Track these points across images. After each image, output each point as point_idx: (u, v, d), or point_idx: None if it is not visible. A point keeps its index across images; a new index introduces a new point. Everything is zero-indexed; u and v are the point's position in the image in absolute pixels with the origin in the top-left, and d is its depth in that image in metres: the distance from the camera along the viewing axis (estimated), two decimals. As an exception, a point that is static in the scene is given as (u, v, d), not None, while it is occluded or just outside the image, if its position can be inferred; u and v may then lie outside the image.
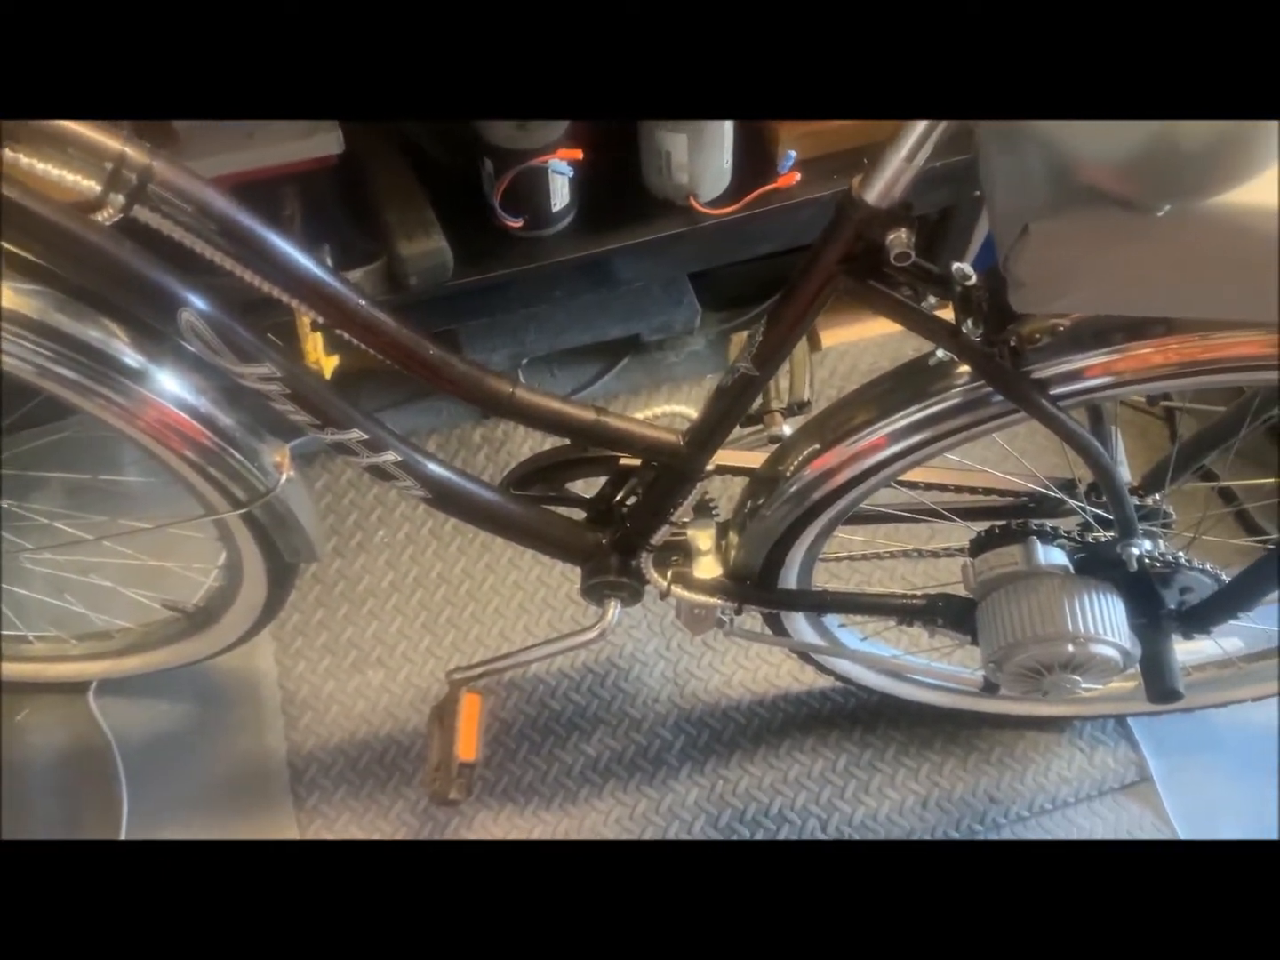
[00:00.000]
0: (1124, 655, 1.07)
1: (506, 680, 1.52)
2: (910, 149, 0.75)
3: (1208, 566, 1.14)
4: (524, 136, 1.36)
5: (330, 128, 1.36)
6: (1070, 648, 1.04)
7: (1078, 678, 1.08)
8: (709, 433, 1.03)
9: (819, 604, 1.20)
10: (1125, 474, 1.23)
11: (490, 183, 1.41)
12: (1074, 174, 0.67)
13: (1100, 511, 1.11)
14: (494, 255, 1.46)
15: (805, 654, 1.40)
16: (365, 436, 1.00)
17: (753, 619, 1.33)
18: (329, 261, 1.38)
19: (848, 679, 1.47)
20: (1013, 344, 0.87)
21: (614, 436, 1.05)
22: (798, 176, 1.43)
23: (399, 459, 1.03)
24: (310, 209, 1.42)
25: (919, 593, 1.17)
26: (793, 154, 1.41)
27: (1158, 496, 1.20)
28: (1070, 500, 1.13)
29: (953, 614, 1.15)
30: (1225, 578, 1.15)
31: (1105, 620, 1.05)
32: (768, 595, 1.20)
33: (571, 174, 1.41)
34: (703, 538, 1.20)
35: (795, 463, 1.04)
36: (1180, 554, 1.13)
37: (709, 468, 1.08)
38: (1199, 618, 1.13)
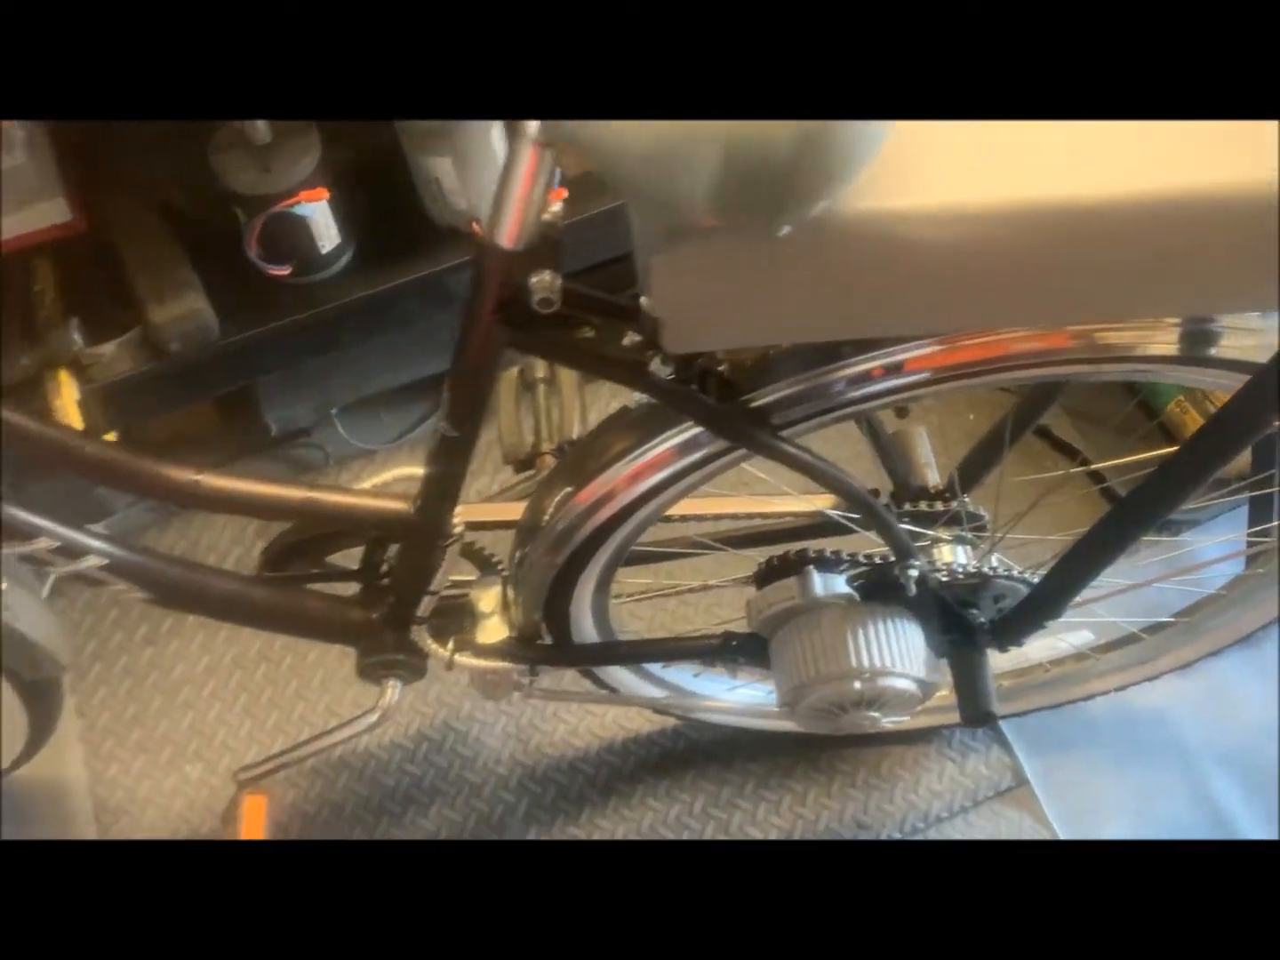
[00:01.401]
0: (921, 685, 0.98)
1: (336, 759, 1.43)
2: (522, 184, 0.65)
3: (1014, 571, 1.06)
4: (266, 180, 1.27)
5: (53, 196, 1.26)
6: (858, 685, 0.96)
7: (875, 714, 0.99)
8: (437, 496, 0.93)
9: (609, 656, 1.11)
10: (933, 476, 1.15)
11: (246, 233, 1.31)
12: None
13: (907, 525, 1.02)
14: (264, 308, 1.36)
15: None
16: (55, 544, 0.90)
17: (570, 675, 1.25)
18: (77, 336, 1.28)
19: (691, 718, 1.39)
20: (718, 373, 0.79)
21: (332, 514, 0.96)
22: (565, 193, 1.33)
23: (104, 562, 0.94)
24: (64, 281, 1.33)
25: (714, 631, 1.09)
26: (558, 170, 1.32)
27: (966, 499, 1.12)
28: (850, 523, 1.04)
29: (749, 651, 1.06)
30: (1034, 580, 1.07)
31: (893, 651, 0.97)
32: (556, 653, 1.11)
33: (326, 213, 1.32)
34: (486, 598, 1.11)
35: (553, 506, 0.95)
36: (987, 561, 1.05)
37: (457, 528, 0.98)
38: (1009, 629, 1.05)
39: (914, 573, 0.94)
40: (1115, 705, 1.44)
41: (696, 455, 0.85)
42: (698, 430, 0.83)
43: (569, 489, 0.92)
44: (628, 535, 0.97)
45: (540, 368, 1.16)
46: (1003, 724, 1.46)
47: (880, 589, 0.99)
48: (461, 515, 0.99)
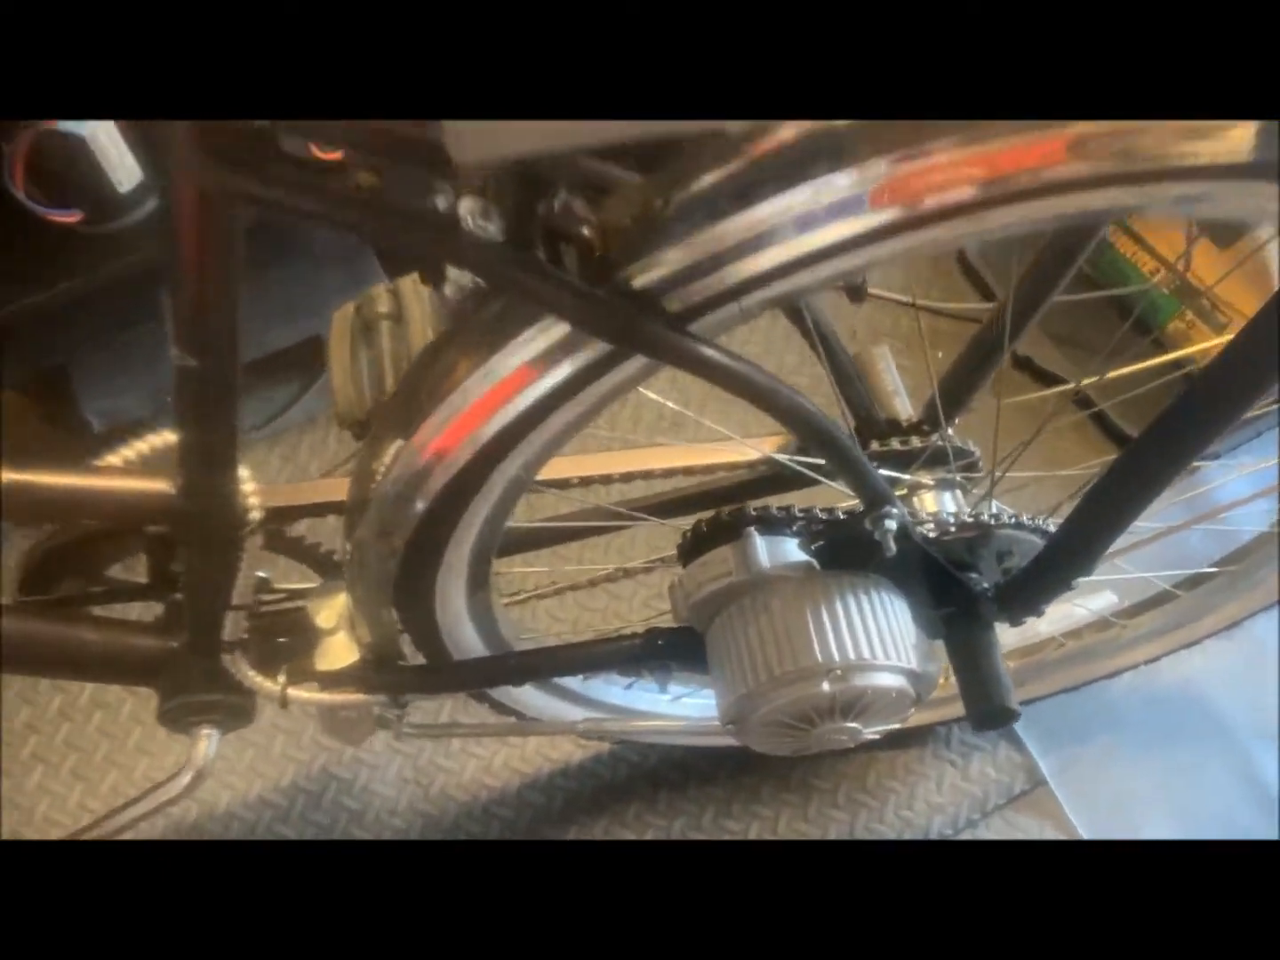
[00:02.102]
0: (914, 679, 0.72)
1: (189, 823, 1.14)
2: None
3: (1023, 517, 0.79)
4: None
5: None
6: (826, 686, 0.69)
7: (856, 725, 0.72)
8: (201, 465, 0.65)
9: (497, 675, 0.84)
10: (904, 407, 0.88)
11: (7, 163, 1.03)
12: None
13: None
14: (45, 266, 1.07)
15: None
16: None
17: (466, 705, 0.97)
18: None
19: (634, 740, 1.12)
20: (579, 235, 0.51)
21: (84, 503, 0.68)
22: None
23: None
24: None
25: (634, 630, 0.81)
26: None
27: (949, 431, 0.85)
28: (805, 470, 0.78)
29: (680, 651, 0.79)
30: (1050, 527, 0.80)
31: (872, 635, 0.70)
32: (426, 676, 0.83)
33: (117, 139, 1.04)
34: (326, 611, 0.83)
35: (381, 468, 0.68)
36: (985, 509, 0.79)
37: (251, 511, 0.71)
38: (1022, 595, 0.79)
39: (892, 524, 0.67)
40: (1139, 683, 1.19)
41: (566, 370, 0.58)
42: (563, 330, 0.56)
43: (398, 438, 0.65)
44: (495, 506, 0.70)
45: (383, 300, 0.88)
46: (1009, 714, 1.20)
47: (848, 552, 0.72)
48: (262, 496, 0.71)
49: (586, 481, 0.80)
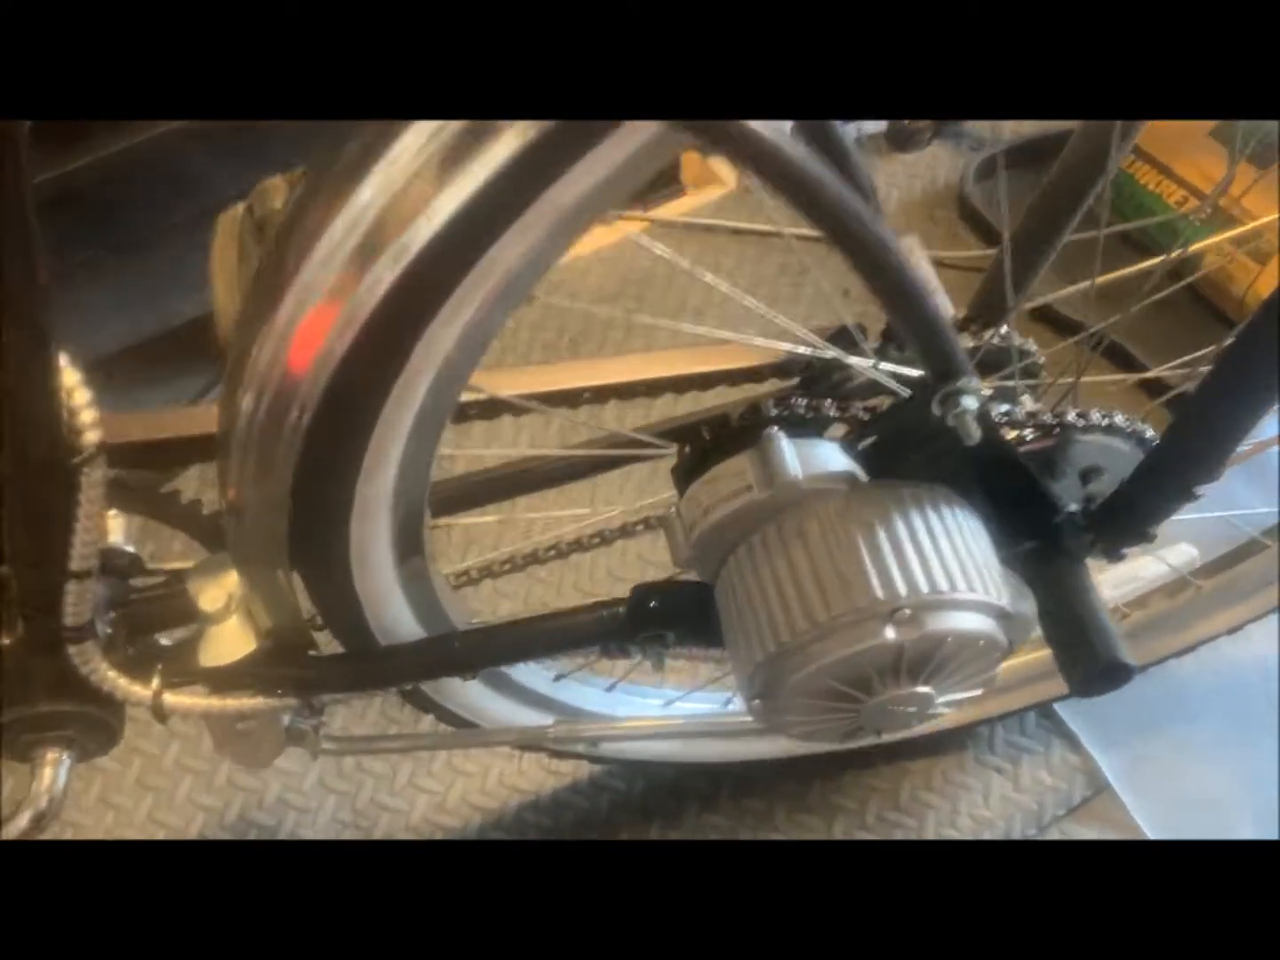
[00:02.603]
0: (1003, 620, 0.53)
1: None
2: None
3: (1119, 419, 0.61)
4: None
5: None
6: (891, 633, 0.50)
7: (927, 690, 0.53)
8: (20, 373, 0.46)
9: (438, 662, 0.64)
10: (945, 303, 0.70)
11: None
12: None
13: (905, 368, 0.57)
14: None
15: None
16: None
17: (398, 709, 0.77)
18: None
19: (613, 757, 0.91)
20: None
21: None
22: None
23: None
24: None
25: (617, 598, 0.61)
26: None
27: (1004, 330, 0.67)
28: (850, 360, 0.59)
29: (682, 611, 0.60)
30: (1152, 435, 0.63)
31: (951, 561, 0.51)
32: (346, 669, 0.63)
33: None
34: (211, 592, 0.63)
35: (247, 368, 0.48)
36: (1066, 409, 0.61)
37: (86, 436, 0.51)
38: (1123, 520, 0.60)
39: (971, 402, 0.49)
40: (1210, 662, 1.01)
41: (489, 167, 0.39)
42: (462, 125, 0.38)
43: (262, 318, 0.46)
44: (417, 420, 0.51)
45: (279, 193, 0.69)
46: (1061, 710, 1.01)
47: (901, 457, 0.53)
48: (101, 423, 0.51)
49: (550, 400, 0.61)
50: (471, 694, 0.76)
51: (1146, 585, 0.89)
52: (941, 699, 0.54)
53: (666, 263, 1.18)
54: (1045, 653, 0.97)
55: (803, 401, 0.54)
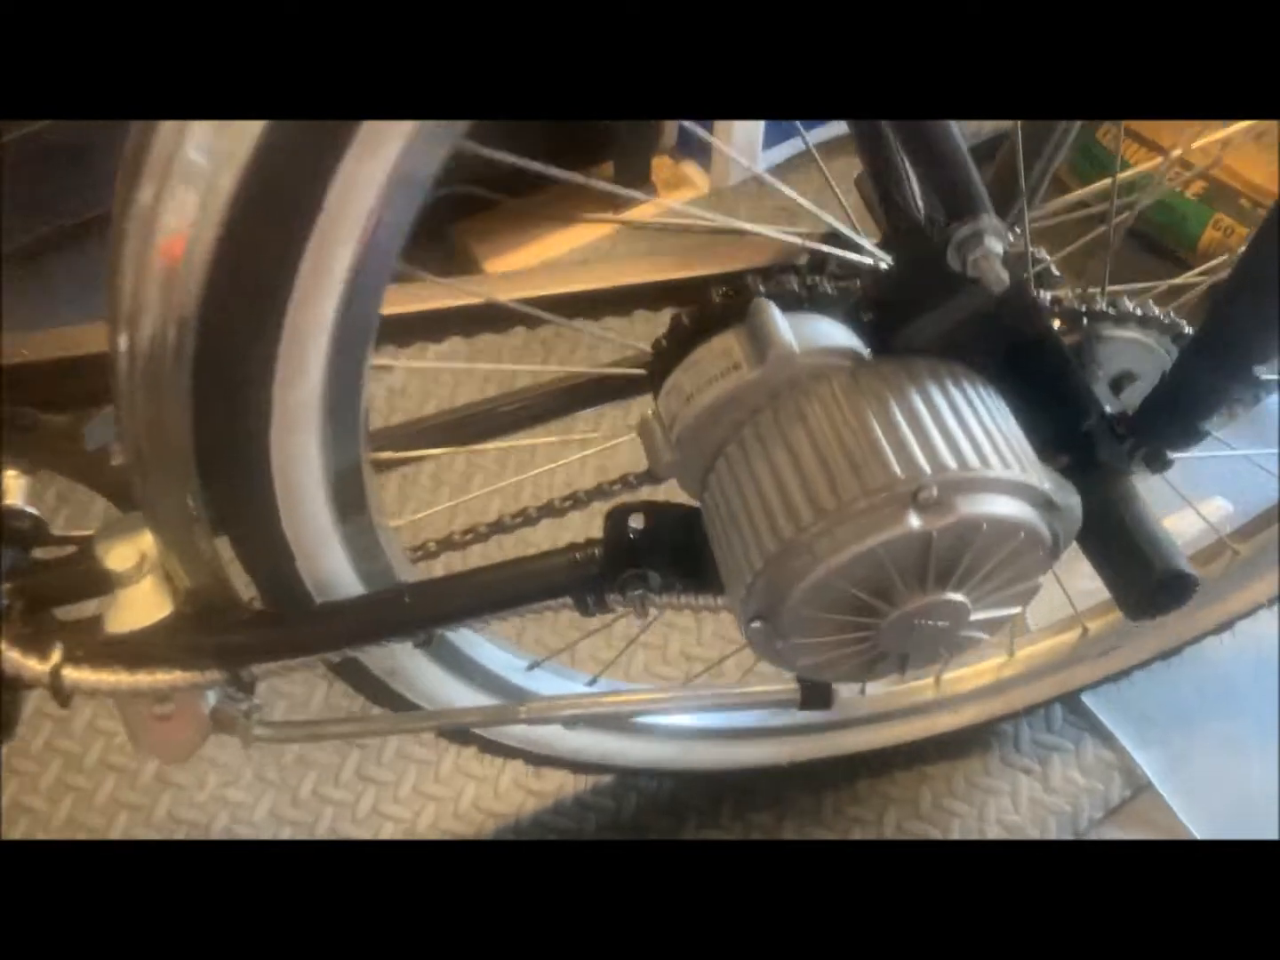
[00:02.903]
0: (1045, 506, 0.45)
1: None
2: None
3: (1154, 310, 0.54)
4: None
5: None
6: (915, 520, 0.41)
7: (962, 598, 0.44)
8: None
9: (383, 621, 0.55)
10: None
11: None
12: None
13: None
14: None
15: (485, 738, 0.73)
16: None
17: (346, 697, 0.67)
18: None
19: (602, 764, 0.82)
20: None
21: None
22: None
23: None
24: None
25: (591, 538, 0.53)
26: None
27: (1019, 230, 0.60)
28: (842, 251, 0.52)
29: (668, 544, 0.51)
30: (1188, 329, 0.55)
31: (979, 434, 0.43)
32: (273, 631, 0.54)
33: None
34: (121, 549, 0.55)
35: (118, 276, 0.42)
36: (1095, 297, 0.53)
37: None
38: (1169, 415, 0.52)
39: (995, 245, 0.41)
40: (1247, 640, 0.92)
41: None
42: None
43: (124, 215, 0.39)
44: (342, 306, 0.43)
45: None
46: (1091, 703, 0.92)
47: (912, 323, 0.45)
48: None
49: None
50: (432, 682, 0.67)
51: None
52: (977, 614, 0.45)
53: (640, 255, 1.11)
54: (1066, 637, 0.89)
55: (794, 277, 0.47)
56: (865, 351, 0.46)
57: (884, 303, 0.45)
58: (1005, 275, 0.41)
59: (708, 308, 0.47)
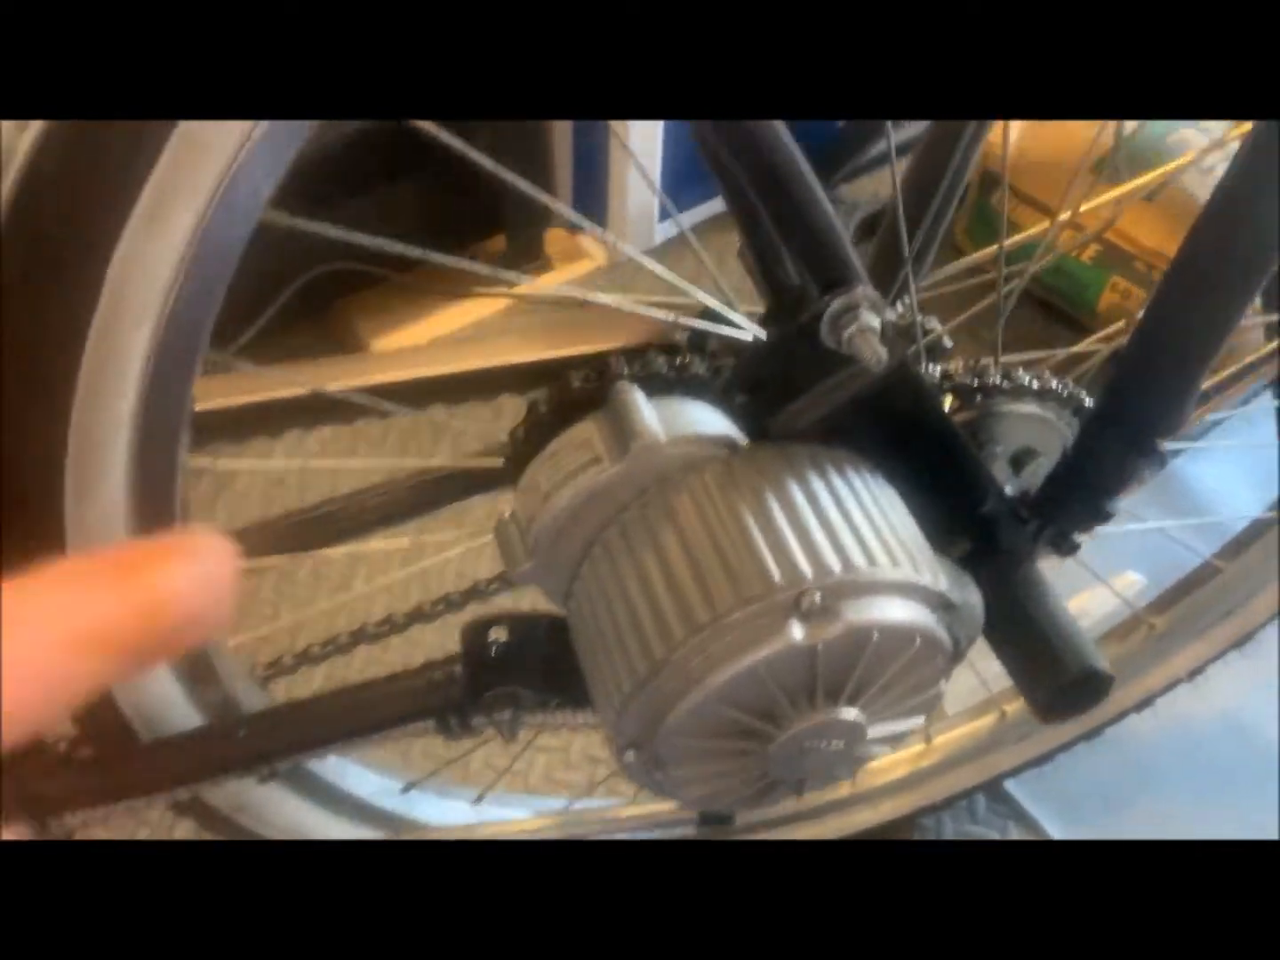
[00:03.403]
0: (944, 610, 0.40)
1: None
2: None
3: (1053, 382, 0.51)
4: None
5: None
6: (798, 630, 0.36)
7: (855, 717, 0.39)
8: None
9: (220, 756, 0.48)
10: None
11: None
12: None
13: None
14: None
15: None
16: None
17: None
18: None
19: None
20: None
21: None
22: None
23: None
24: None
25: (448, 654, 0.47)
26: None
27: (906, 300, 0.57)
28: (715, 326, 0.48)
29: (535, 658, 0.46)
30: (1089, 401, 0.52)
31: (866, 529, 0.38)
32: (82, 774, 0.47)
33: None
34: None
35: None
36: (988, 371, 0.50)
37: None
38: (1075, 495, 0.49)
39: (871, 318, 0.37)
40: (1167, 717, 0.89)
41: None
42: None
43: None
44: (146, 384, 0.38)
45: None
46: (1015, 791, 0.88)
47: (786, 406, 0.41)
48: None
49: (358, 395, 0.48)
50: (291, 813, 0.60)
51: (1095, 626, 0.78)
52: (874, 730, 0.40)
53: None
54: (984, 721, 0.84)
55: (659, 356, 0.42)
56: (740, 438, 0.41)
57: (758, 383, 0.41)
58: (884, 352, 0.37)
59: (566, 393, 0.42)
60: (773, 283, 0.55)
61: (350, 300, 1.18)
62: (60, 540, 0.40)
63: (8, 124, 0.31)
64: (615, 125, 1.19)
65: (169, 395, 0.39)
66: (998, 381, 0.49)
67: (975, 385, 0.48)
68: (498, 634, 0.45)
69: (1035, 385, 0.50)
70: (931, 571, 0.39)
